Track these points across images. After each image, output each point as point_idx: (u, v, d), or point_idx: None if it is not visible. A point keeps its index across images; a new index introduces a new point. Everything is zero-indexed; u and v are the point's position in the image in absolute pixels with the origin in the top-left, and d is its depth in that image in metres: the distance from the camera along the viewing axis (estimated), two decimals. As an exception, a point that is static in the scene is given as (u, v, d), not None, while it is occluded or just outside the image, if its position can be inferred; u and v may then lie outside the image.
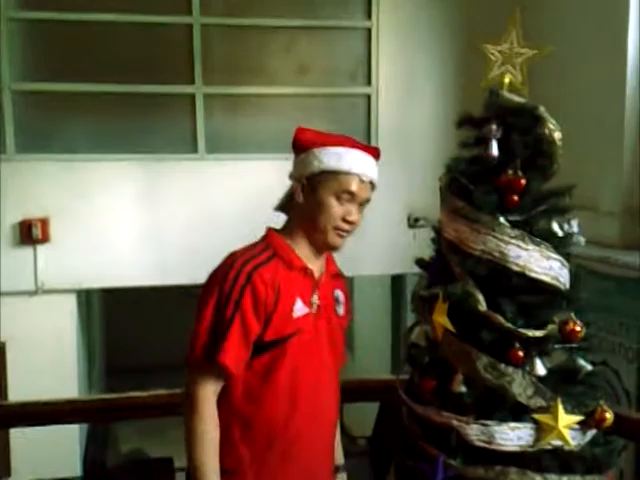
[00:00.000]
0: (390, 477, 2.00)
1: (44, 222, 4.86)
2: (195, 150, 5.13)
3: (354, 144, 1.77)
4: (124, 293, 5.83)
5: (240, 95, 5.22)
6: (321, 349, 1.79)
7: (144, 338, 8.89)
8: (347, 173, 1.71)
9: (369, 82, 5.32)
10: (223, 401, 1.71)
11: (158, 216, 5.08)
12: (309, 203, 1.73)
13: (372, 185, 1.78)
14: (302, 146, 1.75)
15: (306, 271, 1.76)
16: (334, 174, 1.71)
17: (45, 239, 4.87)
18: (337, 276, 1.89)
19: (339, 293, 1.87)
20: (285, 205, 1.82)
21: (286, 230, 1.79)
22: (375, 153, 1.80)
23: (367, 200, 1.76)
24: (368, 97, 5.34)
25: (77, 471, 4.57)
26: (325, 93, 5.32)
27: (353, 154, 1.73)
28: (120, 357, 8.62)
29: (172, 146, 5.15)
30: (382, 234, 5.00)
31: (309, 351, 1.75)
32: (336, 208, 1.71)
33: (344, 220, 1.72)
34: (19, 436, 4.68)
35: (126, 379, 6.12)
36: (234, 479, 1.72)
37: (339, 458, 1.99)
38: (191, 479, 1.67)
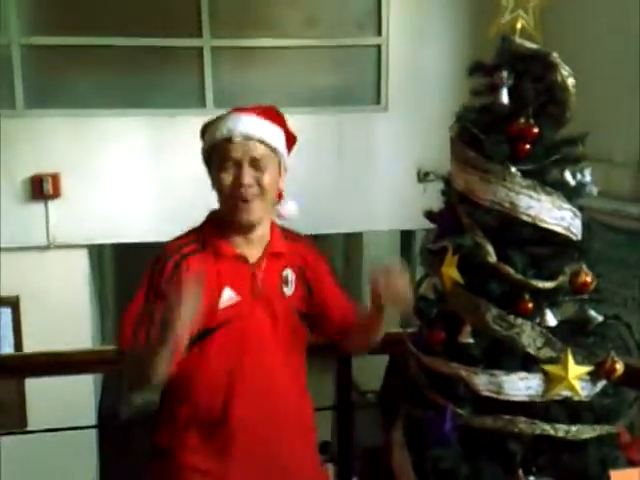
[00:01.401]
0: (397, 427, 2.01)
1: (55, 177, 4.84)
2: (203, 104, 5.06)
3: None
4: (137, 249, 5.82)
5: (248, 48, 5.13)
6: (262, 335, 1.75)
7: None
8: (217, 143, 1.70)
9: (379, 32, 5.20)
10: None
11: (168, 170, 5.05)
12: (215, 187, 1.75)
13: (261, 141, 1.70)
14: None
15: (238, 258, 1.74)
16: (211, 151, 1.72)
17: (56, 194, 4.86)
18: (288, 254, 1.82)
19: (288, 272, 1.81)
20: None
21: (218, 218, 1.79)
22: (258, 112, 1.73)
23: (256, 159, 1.69)
24: (378, 47, 5.22)
25: (92, 422, 4.65)
26: (334, 45, 5.19)
27: (218, 124, 1.71)
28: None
29: (181, 100, 5.10)
30: (391, 189, 4.92)
31: (245, 339, 1.72)
32: (225, 179, 1.69)
33: (237, 185, 1.68)
34: (34, 387, 4.75)
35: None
36: (171, 460, 1.74)
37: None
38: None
